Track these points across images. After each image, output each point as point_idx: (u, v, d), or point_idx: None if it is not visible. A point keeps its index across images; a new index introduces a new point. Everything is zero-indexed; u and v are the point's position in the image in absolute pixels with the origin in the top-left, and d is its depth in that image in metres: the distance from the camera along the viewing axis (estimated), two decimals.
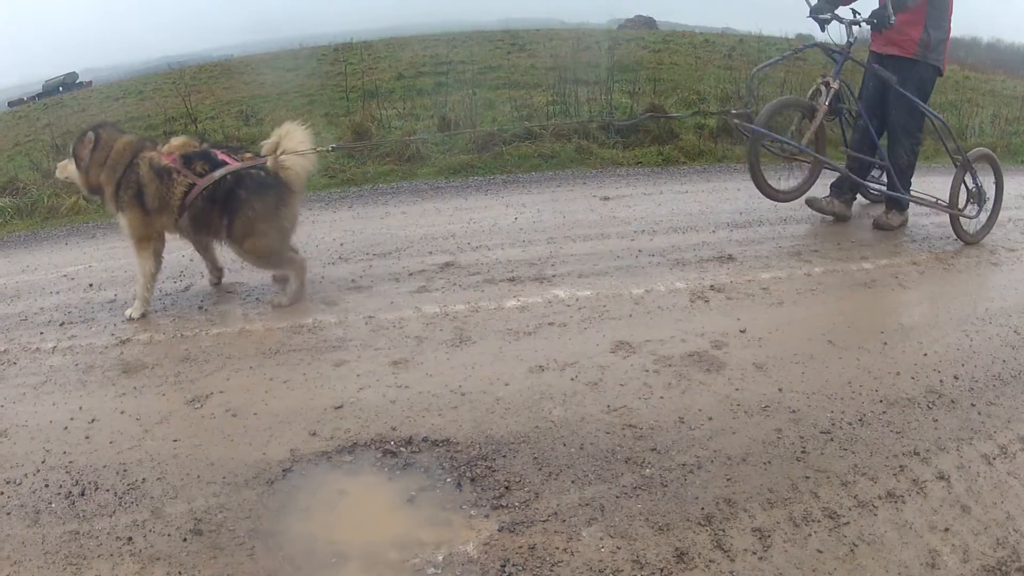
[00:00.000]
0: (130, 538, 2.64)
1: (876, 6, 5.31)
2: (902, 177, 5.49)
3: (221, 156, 4.41)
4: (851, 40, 5.31)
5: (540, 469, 2.85)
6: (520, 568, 2.40)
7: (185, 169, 4.36)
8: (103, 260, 5.72)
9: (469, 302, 4.32)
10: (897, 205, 5.67)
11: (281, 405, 3.39)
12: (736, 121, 5.08)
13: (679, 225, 5.68)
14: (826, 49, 5.41)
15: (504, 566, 2.40)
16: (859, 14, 5.32)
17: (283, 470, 2.93)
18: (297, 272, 4.55)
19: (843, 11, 5.38)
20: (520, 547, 2.49)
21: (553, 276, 4.68)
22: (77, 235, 6.79)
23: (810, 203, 5.74)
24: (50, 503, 2.86)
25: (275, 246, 4.49)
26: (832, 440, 3.08)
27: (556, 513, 2.64)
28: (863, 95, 5.58)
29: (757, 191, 5.38)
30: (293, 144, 4.40)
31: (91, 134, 4.44)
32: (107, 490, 2.90)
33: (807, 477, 2.85)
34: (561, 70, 12.43)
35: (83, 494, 2.89)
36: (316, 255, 5.05)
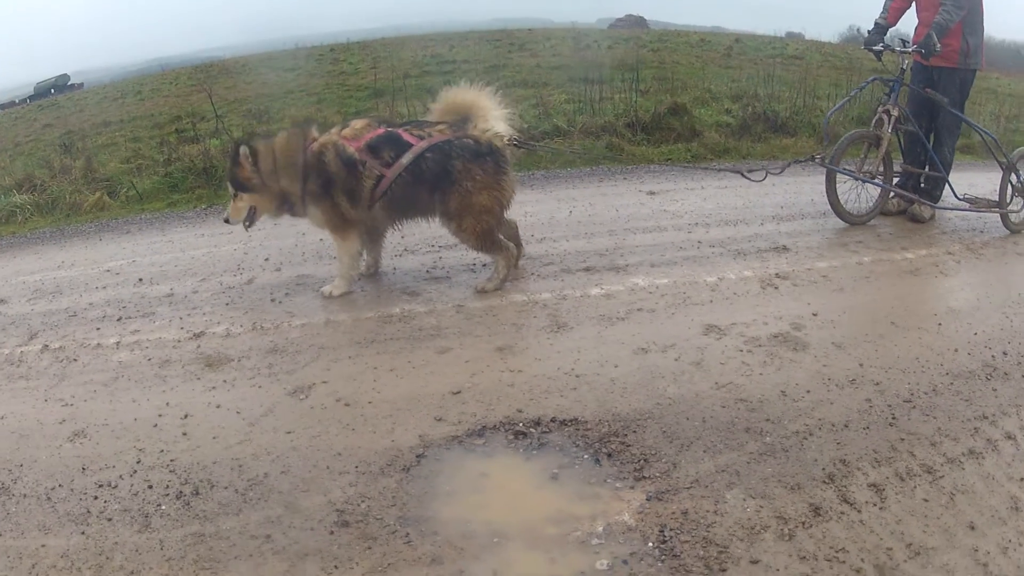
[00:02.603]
0: (268, 536, 2.59)
1: (914, 23, 5.87)
2: (947, 168, 5.90)
3: (407, 138, 4.24)
4: (903, 67, 5.76)
5: (671, 442, 3.07)
6: (678, 531, 2.58)
7: (372, 159, 4.24)
8: (146, 255, 5.79)
9: (553, 291, 4.53)
10: (929, 198, 6.02)
11: (395, 393, 3.46)
12: (818, 162, 5.55)
13: (728, 218, 5.96)
14: (883, 80, 5.86)
15: (663, 531, 2.56)
16: (906, 43, 5.82)
17: (416, 456, 2.97)
18: (505, 258, 4.51)
19: (892, 39, 5.85)
20: (673, 513, 2.67)
21: (627, 266, 4.92)
22: (109, 231, 6.84)
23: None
24: (159, 505, 2.79)
25: (494, 224, 4.38)
26: (915, 407, 3.37)
27: (697, 480, 2.85)
28: (910, 101, 5.95)
29: (833, 213, 5.81)
30: (489, 114, 4.31)
31: (244, 148, 4.23)
32: (225, 487, 2.85)
33: (901, 439, 3.14)
34: (566, 69, 12.71)
35: (197, 493, 2.83)
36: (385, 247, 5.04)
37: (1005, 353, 3.90)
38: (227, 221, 4.46)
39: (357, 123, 4.40)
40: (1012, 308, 4.47)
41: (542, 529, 2.58)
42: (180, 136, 10.31)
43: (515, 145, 4.51)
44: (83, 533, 2.69)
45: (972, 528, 2.64)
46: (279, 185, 4.28)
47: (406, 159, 4.18)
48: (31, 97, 26.82)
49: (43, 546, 2.65)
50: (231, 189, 4.35)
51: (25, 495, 2.93)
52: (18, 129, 15.26)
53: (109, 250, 6.12)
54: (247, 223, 4.42)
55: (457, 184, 4.20)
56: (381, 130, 4.31)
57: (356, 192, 4.25)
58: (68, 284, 5.24)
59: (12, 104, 24.02)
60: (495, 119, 4.36)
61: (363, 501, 2.73)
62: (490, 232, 4.37)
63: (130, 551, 2.57)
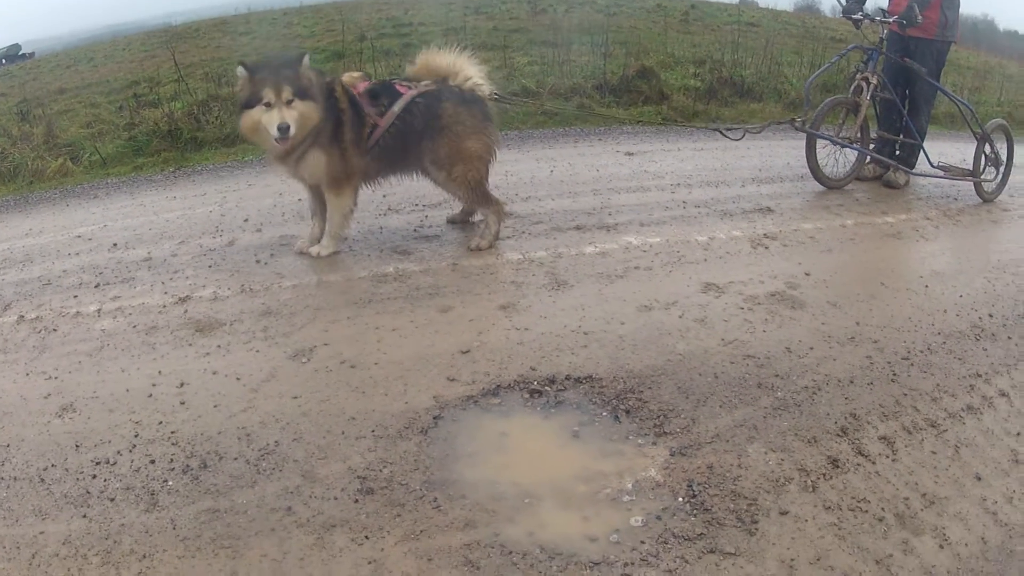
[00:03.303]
0: (289, 508, 2.46)
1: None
2: (922, 136, 6.05)
3: (399, 87, 4.18)
4: (882, 37, 5.85)
5: (687, 398, 3.07)
6: (706, 486, 2.59)
7: (371, 105, 4.11)
8: (118, 219, 5.53)
9: (547, 249, 4.48)
10: (905, 165, 6.15)
11: (401, 353, 3.38)
12: (797, 127, 5.64)
13: (709, 180, 5.99)
14: (863, 48, 5.92)
15: (690, 486, 2.56)
16: (885, 12, 5.90)
17: (433, 418, 2.89)
18: (496, 212, 4.45)
19: (872, 9, 5.93)
20: (699, 467, 2.67)
21: (616, 224, 4.89)
22: (75, 196, 6.53)
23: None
24: (165, 481, 2.62)
25: (484, 173, 4.32)
26: (913, 365, 3.45)
27: (718, 435, 2.86)
28: (886, 69, 6.03)
29: (814, 180, 5.89)
30: (467, 70, 4.26)
31: (307, 58, 3.94)
32: (235, 458, 2.70)
33: (904, 395, 3.21)
34: (524, 31, 12.56)
35: (206, 466, 2.67)
36: (364, 206, 4.88)
37: (991, 315, 4.02)
38: (286, 129, 3.84)
39: (352, 74, 4.30)
40: (993, 273, 4.59)
41: (572, 488, 2.55)
42: (139, 100, 9.90)
43: (495, 98, 4.48)
44: (85, 516, 2.50)
45: (979, 479, 2.72)
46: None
47: (397, 107, 4.10)
48: None
49: (41, 533, 2.45)
50: (288, 94, 3.83)
51: (15, 478, 2.71)
52: None
53: (78, 216, 5.83)
54: (283, 138, 3.88)
55: (447, 129, 4.16)
56: (376, 83, 4.25)
57: (359, 137, 4.11)
58: (38, 252, 4.95)
59: None
60: (475, 74, 4.33)
61: (385, 466, 2.64)
62: (481, 182, 4.32)
63: (139, 533, 2.40)
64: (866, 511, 2.51)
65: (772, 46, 10.38)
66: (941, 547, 2.39)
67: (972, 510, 2.56)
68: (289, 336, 3.56)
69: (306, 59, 3.91)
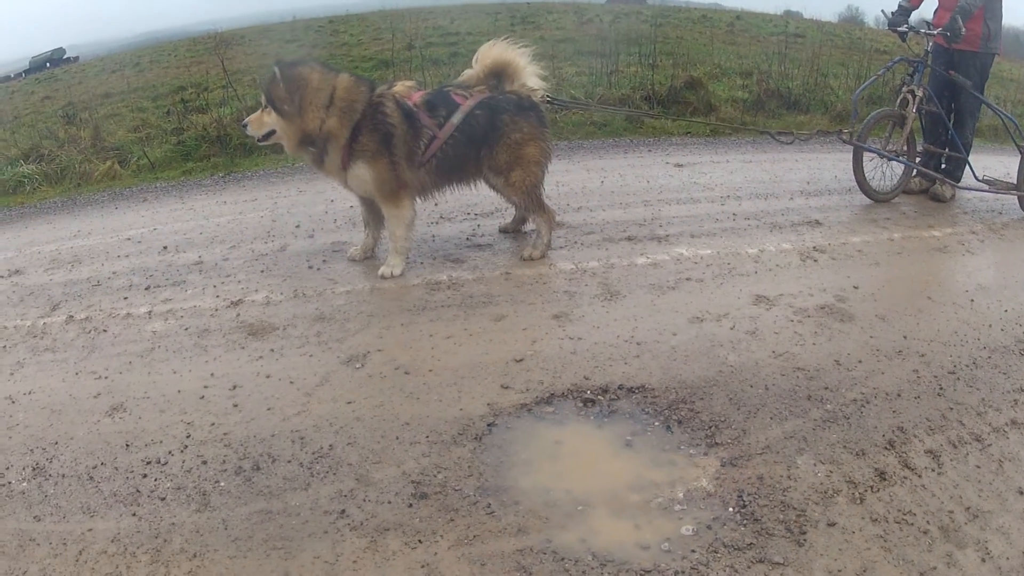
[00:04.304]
0: (343, 511, 2.50)
1: (935, 7, 5.98)
2: (967, 150, 6.03)
3: (455, 97, 4.22)
4: (927, 49, 5.86)
5: (738, 409, 3.16)
6: (756, 496, 2.66)
7: (427, 117, 4.14)
8: (168, 223, 5.70)
9: (599, 259, 4.60)
10: (951, 178, 6.14)
11: (455, 360, 3.43)
12: (844, 139, 5.70)
13: (758, 192, 6.06)
14: (908, 61, 5.95)
15: (741, 496, 2.62)
16: (930, 25, 5.90)
17: (487, 425, 2.95)
18: (547, 221, 4.54)
19: (917, 22, 5.95)
20: (749, 478, 2.75)
21: (667, 236, 5.00)
22: (124, 199, 6.72)
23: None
24: (217, 482, 2.66)
25: (540, 178, 4.40)
26: (959, 379, 3.50)
27: (768, 446, 2.94)
28: (931, 82, 6.03)
29: (860, 191, 5.92)
30: (523, 72, 4.31)
31: (299, 70, 3.92)
32: (288, 461, 2.74)
33: (951, 408, 3.26)
34: (571, 42, 12.65)
35: (258, 468, 2.72)
36: (417, 214, 4.91)
37: None
38: (244, 127, 4.18)
39: (406, 82, 4.35)
40: None
41: (624, 496, 2.61)
42: (186, 106, 10.17)
43: (549, 102, 4.58)
44: (134, 515, 2.55)
45: (1021, 493, 2.77)
46: (317, 124, 3.98)
47: (456, 118, 4.16)
48: (26, 71, 26.18)
49: (89, 530, 2.50)
50: (263, 100, 4.02)
51: (64, 475, 2.78)
52: (16, 102, 14.91)
53: (127, 219, 6.01)
54: (262, 139, 4.14)
55: (505, 137, 4.23)
56: (430, 91, 4.29)
57: (413, 150, 4.14)
58: (87, 253, 5.11)
59: (8, 78, 23.40)
60: (529, 75, 4.38)
61: (439, 472, 2.69)
62: (536, 187, 4.42)
63: (190, 532, 2.43)
64: (912, 524, 2.58)
65: (818, 58, 10.34)
66: (983, 560, 2.45)
67: (1014, 524, 2.61)
68: (342, 341, 3.65)
69: (276, 71, 3.92)
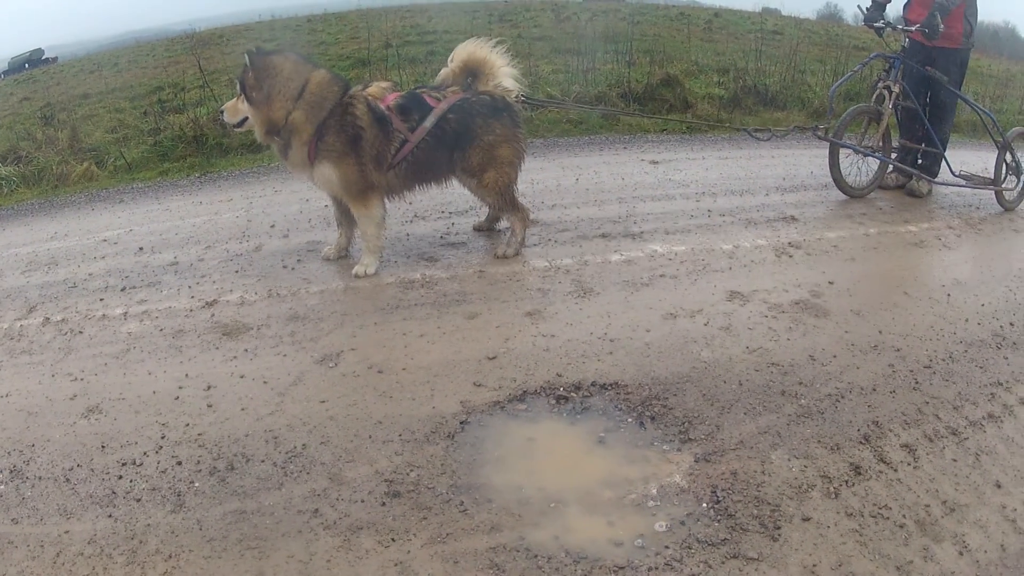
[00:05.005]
0: (316, 510, 2.50)
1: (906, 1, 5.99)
2: (944, 145, 6.05)
3: (428, 100, 4.18)
4: (904, 45, 5.87)
5: (712, 405, 3.13)
6: (729, 492, 2.64)
7: (401, 121, 4.10)
8: (143, 224, 5.65)
9: (573, 257, 4.56)
10: (928, 173, 6.16)
11: (428, 359, 3.41)
12: (820, 135, 5.70)
13: (733, 188, 6.05)
14: (885, 57, 5.95)
15: (714, 491, 2.61)
16: (907, 21, 5.91)
17: (460, 423, 2.94)
18: (521, 220, 4.51)
19: (895, 18, 5.93)
20: (723, 474, 2.72)
21: (642, 233, 4.96)
22: (101, 201, 6.65)
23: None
24: (192, 483, 2.65)
25: (514, 178, 4.38)
26: (935, 373, 3.49)
27: (742, 442, 2.91)
28: (907, 77, 6.02)
29: (837, 190, 5.94)
30: (499, 71, 4.28)
31: (274, 59, 3.94)
32: (262, 461, 2.74)
33: (926, 403, 3.25)
34: (549, 40, 12.64)
35: (232, 468, 2.71)
36: (390, 213, 4.74)
37: (1012, 324, 4.04)
38: (220, 113, 4.24)
39: (381, 83, 4.31)
40: (1014, 282, 4.61)
41: (597, 493, 2.60)
42: (163, 106, 10.08)
43: (523, 101, 4.55)
44: (110, 516, 2.55)
45: (998, 486, 2.76)
46: (283, 114, 3.96)
47: (429, 122, 4.12)
48: (5, 72, 25.92)
49: (66, 532, 2.49)
50: (238, 88, 4.05)
51: (40, 477, 2.77)
52: None
53: (103, 220, 5.95)
54: (236, 127, 4.19)
55: (478, 139, 4.20)
56: (403, 92, 4.24)
57: (383, 154, 4.10)
58: (63, 255, 5.06)
59: None
60: (504, 76, 4.35)
61: (412, 470, 2.69)
62: (510, 187, 4.39)
63: (165, 533, 2.44)
64: (887, 518, 2.56)
65: (795, 55, 10.38)
66: (960, 554, 2.44)
67: (992, 517, 2.60)
68: (316, 341, 3.62)
69: (247, 58, 3.95)
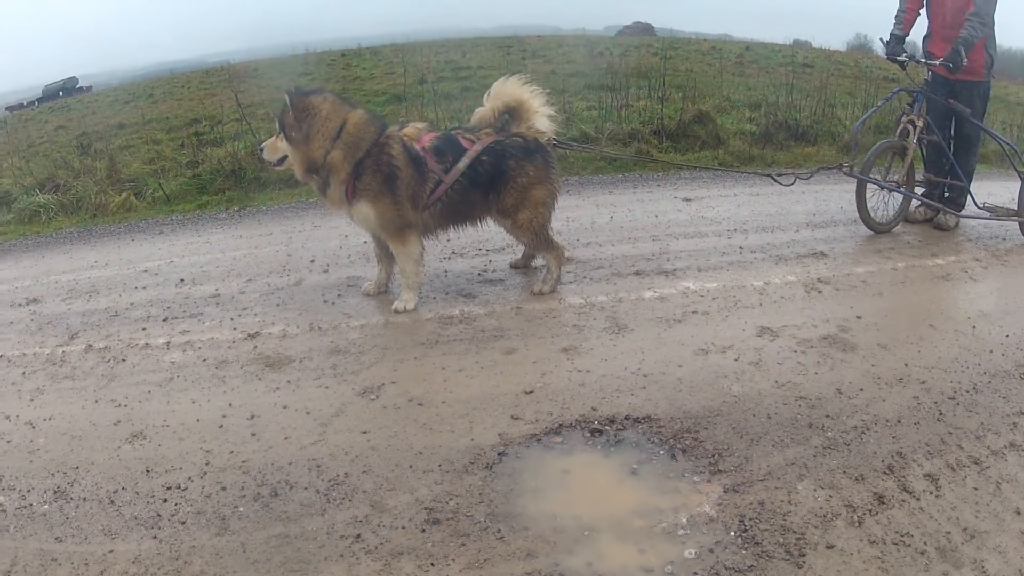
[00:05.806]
0: (358, 535, 2.60)
1: (924, 34, 6.11)
2: (968, 178, 6.12)
3: (463, 141, 4.32)
4: (927, 79, 6.00)
5: (741, 437, 3.28)
6: (757, 520, 2.76)
7: (435, 163, 4.22)
8: (185, 255, 5.86)
9: (608, 294, 4.74)
10: (954, 207, 6.25)
11: (467, 392, 3.55)
12: (846, 172, 5.84)
13: (764, 225, 6.21)
14: (908, 91, 6.10)
15: (742, 520, 2.71)
16: (930, 54, 6.00)
17: (498, 454, 3.05)
18: (557, 257, 4.65)
19: (913, 49, 6.08)
20: (751, 503, 2.85)
21: (675, 270, 5.14)
22: (140, 231, 6.87)
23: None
24: (236, 507, 2.76)
25: (548, 218, 4.52)
26: (959, 404, 3.59)
27: (770, 473, 3.05)
28: (931, 111, 6.14)
29: (862, 223, 6.03)
30: (533, 112, 4.39)
31: (312, 99, 4.02)
32: (305, 488, 2.85)
33: (949, 433, 3.36)
34: (582, 76, 12.89)
35: (276, 494, 2.82)
36: (429, 250, 4.90)
37: None
38: (261, 150, 4.34)
39: (417, 124, 4.47)
40: None
41: (629, 522, 2.70)
42: (200, 139, 10.34)
43: (555, 144, 4.70)
44: (155, 537, 2.64)
45: (1018, 513, 2.86)
46: (322, 154, 4.06)
47: (462, 164, 4.27)
48: (39, 99, 26.88)
49: (111, 552, 2.59)
50: (277, 127, 4.15)
51: (85, 498, 2.89)
52: (30, 130, 15.24)
53: (143, 250, 6.16)
54: (276, 165, 4.31)
55: (511, 181, 4.34)
56: (440, 134, 4.41)
57: (418, 194, 4.21)
58: (104, 284, 5.26)
59: (21, 106, 24.06)
60: (539, 117, 4.50)
61: (451, 499, 2.79)
62: (544, 227, 4.55)
63: (210, 555, 2.53)
64: (909, 545, 2.67)
65: (826, 88, 10.51)
66: None
67: (1011, 543, 2.70)
68: (357, 374, 3.80)
69: (287, 98, 4.04)
